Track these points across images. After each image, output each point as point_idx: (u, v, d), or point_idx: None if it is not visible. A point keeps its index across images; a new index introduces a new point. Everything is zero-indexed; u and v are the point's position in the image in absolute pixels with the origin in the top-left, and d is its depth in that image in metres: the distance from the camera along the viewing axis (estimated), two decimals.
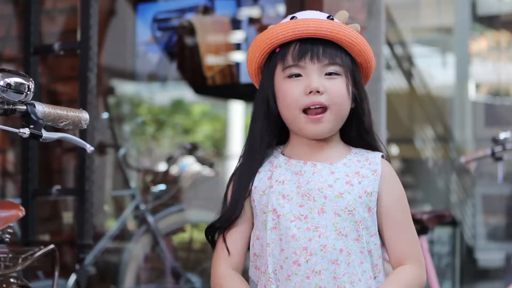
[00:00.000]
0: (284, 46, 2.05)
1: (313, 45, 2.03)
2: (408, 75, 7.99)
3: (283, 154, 2.10)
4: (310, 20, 2.04)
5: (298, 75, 2.03)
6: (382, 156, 2.09)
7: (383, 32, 4.28)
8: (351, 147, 2.11)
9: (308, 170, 2.04)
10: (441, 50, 9.33)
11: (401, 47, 7.91)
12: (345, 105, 2.05)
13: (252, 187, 2.06)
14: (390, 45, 7.55)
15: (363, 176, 2.04)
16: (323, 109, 2.02)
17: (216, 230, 2.09)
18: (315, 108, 2.02)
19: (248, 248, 2.09)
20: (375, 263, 2.04)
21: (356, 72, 2.08)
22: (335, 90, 2.03)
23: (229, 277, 2.05)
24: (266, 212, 2.03)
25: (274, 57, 2.07)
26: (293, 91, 2.03)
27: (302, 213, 2.01)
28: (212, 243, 2.11)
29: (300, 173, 2.04)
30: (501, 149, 3.82)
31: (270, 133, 2.09)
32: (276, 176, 2.05)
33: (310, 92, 2.01)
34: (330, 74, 2.03)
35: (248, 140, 2.11)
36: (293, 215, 2.01)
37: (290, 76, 2.04)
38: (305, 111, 2.03)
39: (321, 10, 2.13)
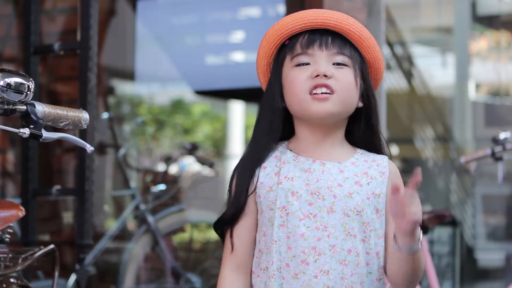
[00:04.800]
0: (293, 38, 2.06)
1: (322, 35, 2.04)
2: (408, 75, 7.99)
3: (290, 150, 2.08)
4: (319, 10, 2.06)
5: (307, 64, 2.03)
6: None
7: (383, 32, 4.28)
8: (356, 148, 2.10)
9: (317, 168, 2.02)
10: (441, 50, 9.34)
11: (401, 47, 7.91)
12: (352, 94, 2.03)
13: (258, 183, 2.04)
14: (390, 45, 7.55)
15: (372, 177, 2.04)
16: (330, 93, 2.01)
17: (224, 225, 2.08)
18: (322, 93, 2.00)
19: None
20: (381, 265, 2.03)
21: (365, 69, 2.07)
22: (343, 77, 2.02)
23: (229, 281, 2.05)
24: (274, 209, 2.01)
25: (283, 50, 2.08)
26: (300, 76, 2.02)
27: (311, 212, 1.99)
28: (222, 237, 2.10)
29: (309, 171, 2.02)
30: (501, 149, 3.82)
31: (275, 128, 2.07)
32: (285, 172, 2.03)
33: (317, 75, 2.00)
34: (338, 64, 2.03)
35: (253, 133, 2.10)
36: (302, 213, 1.99)
37: (298, 65, 2.04)
38: (312, 94, 2.02)
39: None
